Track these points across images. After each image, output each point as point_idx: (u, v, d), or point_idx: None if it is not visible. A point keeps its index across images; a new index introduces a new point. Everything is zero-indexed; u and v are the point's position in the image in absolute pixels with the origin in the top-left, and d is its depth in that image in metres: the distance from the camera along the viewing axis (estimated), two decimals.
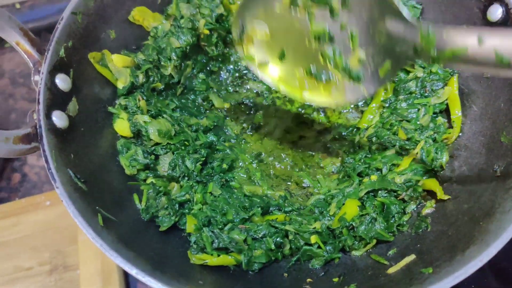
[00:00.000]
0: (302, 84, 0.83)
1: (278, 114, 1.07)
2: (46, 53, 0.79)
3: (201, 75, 1.04)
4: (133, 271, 0.64)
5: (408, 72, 0.97)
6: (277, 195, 0.94)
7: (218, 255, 0.78)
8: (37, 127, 0.74)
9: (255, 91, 1.10)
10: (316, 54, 0.79)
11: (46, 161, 0.71)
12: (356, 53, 0.76)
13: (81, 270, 1.16)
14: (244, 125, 1.06)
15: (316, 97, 0.83)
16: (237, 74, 1.10)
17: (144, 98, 0.91)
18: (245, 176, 0.97)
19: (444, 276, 0.62)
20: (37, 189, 1.36)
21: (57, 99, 0.79)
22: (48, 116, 0.76)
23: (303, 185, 0.99)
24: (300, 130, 1.05)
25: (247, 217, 0.84)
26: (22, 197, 1.33)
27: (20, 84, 1.52)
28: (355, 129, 1.00)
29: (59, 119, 0.77)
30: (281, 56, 0.84)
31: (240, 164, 0.99)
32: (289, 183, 0.99)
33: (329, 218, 0.85)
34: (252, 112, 1.07)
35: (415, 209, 0.85)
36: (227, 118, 1.07)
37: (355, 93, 0.78)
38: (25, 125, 1.41)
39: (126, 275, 1.20)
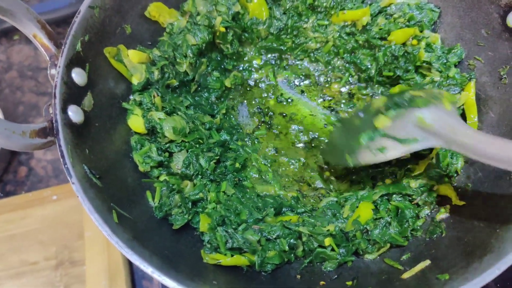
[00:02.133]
0: None
1: (291, 115, 1.07)
2: (63, 47, 0.78)
3: (216, 73, 1.04)
4: (149, 270, 0.63)
5: (424, 76, 0.97)
6: (289, 196, 0.94)
7: (232, 255, 0.77)
8: (53, 121, 0.73)
9: (268, 91, 1.10)
10: None
11: (62, 156, 0.70)
12: None
13: (87, 266, 1.16)
14: (258, 123, 1.06)
15: None
16: (250, 73, 1.10)
17: (159, 94, 0.90)
18: (257, 175, 0.96)
19: (462, 283, 0.62)
20: (43, 183, 1.36)
21: (73, 94, 0.78)
22: (64, 110, 0.75)
23: (315, 186, 0.98)
24: (313, 131, 1.05)
25: (260, 217, 0.83)
26: (28, 191, 1.33)
27: (28, 77, 1.52)
28: None
29: (75, 113, 0.77)
30: None
31: (253, 163, 0.98)
32: (301, 184, 0.99)
33: (342, 221, 0.85)
34: (265, 111, 1.07)
35: (429, 214, 0.85)
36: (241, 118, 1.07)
37: None
38: (32, 118, 1.43)
39: (132, 272, 1.20)
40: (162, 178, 0.87)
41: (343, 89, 1.08)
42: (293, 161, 1.02)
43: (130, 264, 1.20)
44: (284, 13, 1.04)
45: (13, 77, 1.52)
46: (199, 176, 0.87)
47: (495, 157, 0.61)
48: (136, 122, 0.88)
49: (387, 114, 0.77)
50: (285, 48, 1.08)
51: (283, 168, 1.01)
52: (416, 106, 0.74)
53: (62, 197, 1.26)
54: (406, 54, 0.96)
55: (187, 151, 0.88)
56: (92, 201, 0.68)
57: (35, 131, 0.70)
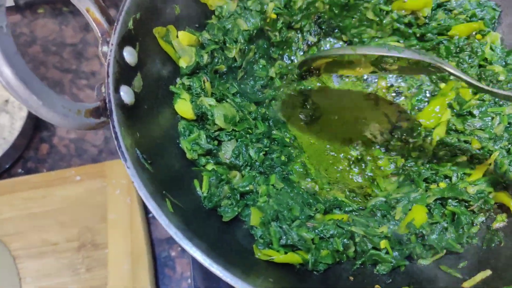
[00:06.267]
0: None
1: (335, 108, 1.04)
2: (115, 24, 0.75)
3: (262, 61, 1.00)
4: (207, 262, 0.60)
5: None
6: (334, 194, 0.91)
7: (285, 252, 0.74)
8: (107, 101, 0.69)
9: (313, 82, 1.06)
10: None
11: (116, 138, 0.67)
12: None
13: (110, 249, 1.13)
14: (301, 116, 1.03)
15: None
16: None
17: (209, 80, 0.86)
18: (302, 170, 0.93)
19: None
20: (65, 162, 1.32)
21: (124, 73, 0.74)
22: (116, 90, 0.71)
23: (360, 184, 0.95)
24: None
25: (312, 214, 0.80)
26: (50, 169, 1.30)
27: (52, 52, 1.47)
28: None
29: (127, 94, 0.73)
30: None
31: (297, 158, 0.95)
32: (345, 183, 0.96)
33: (394, 223, 0.82)
34: (309, 102, 1.04)
35: (484, 221, 0.82)
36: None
37: None
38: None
39: (154, 258, 1.18)
40: (209, 167, 0.83)
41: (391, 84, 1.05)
42: (335, 154, 0.99)
43: (153, 249, 1.17)
44: None
45: (36, 51, 1.48)
46: (248, 168, 0.84)
47: None
48: (183, 107, 0.84)
49: None
50: None
51: (326, 164, 0.98)
52: None
53: (86, 178, 1.22)
54: (471, 48, 0.93)
55: (237, 141, 0.85)
56: (147, 188, 0.65)
57: (89, 111, 0.67)
